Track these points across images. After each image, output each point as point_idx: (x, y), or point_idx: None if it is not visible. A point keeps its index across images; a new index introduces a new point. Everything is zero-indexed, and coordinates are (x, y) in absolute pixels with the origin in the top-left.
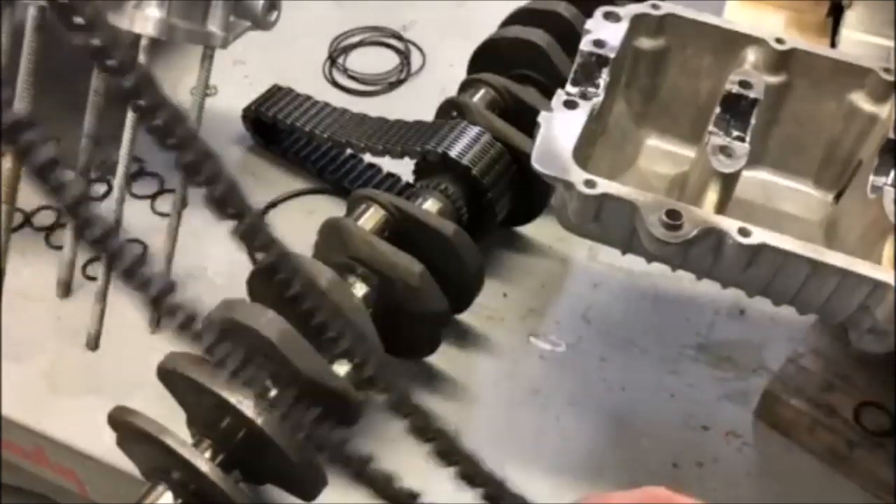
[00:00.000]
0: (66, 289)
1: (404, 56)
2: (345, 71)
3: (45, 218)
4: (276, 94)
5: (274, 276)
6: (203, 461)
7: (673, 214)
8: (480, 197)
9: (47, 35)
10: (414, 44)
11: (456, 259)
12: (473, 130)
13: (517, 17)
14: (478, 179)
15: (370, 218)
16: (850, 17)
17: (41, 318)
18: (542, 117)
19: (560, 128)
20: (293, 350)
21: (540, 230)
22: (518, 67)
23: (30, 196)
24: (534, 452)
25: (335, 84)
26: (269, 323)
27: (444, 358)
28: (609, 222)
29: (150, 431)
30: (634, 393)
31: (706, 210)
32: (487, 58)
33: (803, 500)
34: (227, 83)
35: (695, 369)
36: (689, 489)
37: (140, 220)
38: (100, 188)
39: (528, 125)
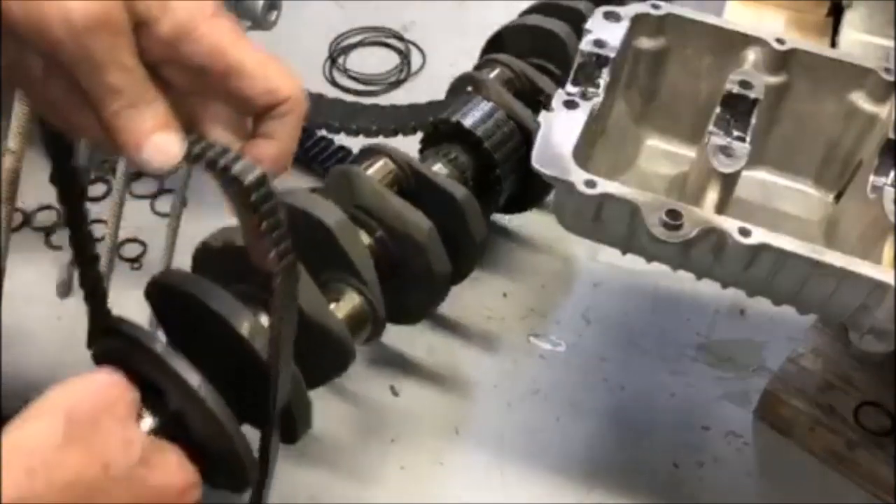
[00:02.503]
0: (66, 289)
1: (404, 56)
2: (345, 71)
3: (45, 218)
4: None
5: None
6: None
7: (673, 214)
8: (489, 171)
9: None
10: (414, 44)
11: (462, 223)
12: (488, 105)
13: (537, 10)
14: (489, 153)
15: (379, 170)
16: (850, 17)
17: (41, 318)
18: (543, 117)
19: (560, 128)
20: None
21: (540, 230)
22: (533, 56)
23: (30, 196)
24: (534, 452)
25: (335, 84)
26: None
27: (444, 358)
28: (609, 222)
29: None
30: (634, 393)
31: (706, 210)
32: (503, 43)
33: (803, 500)
34: None
35: (695, 369)
36: (689, 489)
37: (140, 220)
38: (100, 188)
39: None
